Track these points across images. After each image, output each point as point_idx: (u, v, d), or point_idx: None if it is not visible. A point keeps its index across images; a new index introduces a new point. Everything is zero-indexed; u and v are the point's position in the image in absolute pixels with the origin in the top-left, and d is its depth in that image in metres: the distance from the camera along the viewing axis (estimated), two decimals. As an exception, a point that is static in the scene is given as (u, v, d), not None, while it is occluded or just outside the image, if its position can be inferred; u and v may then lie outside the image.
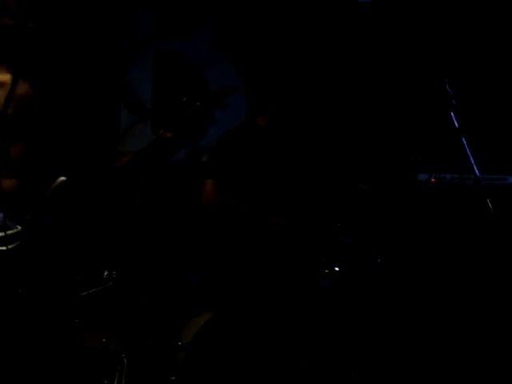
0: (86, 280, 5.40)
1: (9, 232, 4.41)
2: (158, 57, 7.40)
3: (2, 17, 4.60)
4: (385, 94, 7.78)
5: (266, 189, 5.74)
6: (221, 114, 7.46)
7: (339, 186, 6.00)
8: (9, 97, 4.48)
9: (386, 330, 6.59)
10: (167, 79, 7.37)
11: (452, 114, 4.98)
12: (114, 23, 7.22)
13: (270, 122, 5.85)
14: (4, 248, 4.45)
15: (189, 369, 5.33)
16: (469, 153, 4.95)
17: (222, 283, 5.73)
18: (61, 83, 4.80)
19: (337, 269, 5.79)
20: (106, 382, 5.17)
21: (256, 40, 7.51)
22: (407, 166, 6.42)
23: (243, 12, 7.56)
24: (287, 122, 5.87)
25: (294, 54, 6.63)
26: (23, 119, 4.65)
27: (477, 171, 4.91)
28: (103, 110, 7.02)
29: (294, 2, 7.49)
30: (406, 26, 7.74)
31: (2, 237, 4.40)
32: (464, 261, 6.68)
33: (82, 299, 5.19)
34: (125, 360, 5.23)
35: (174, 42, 7.48)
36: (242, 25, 7.57)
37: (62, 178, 4.43)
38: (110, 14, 7.18)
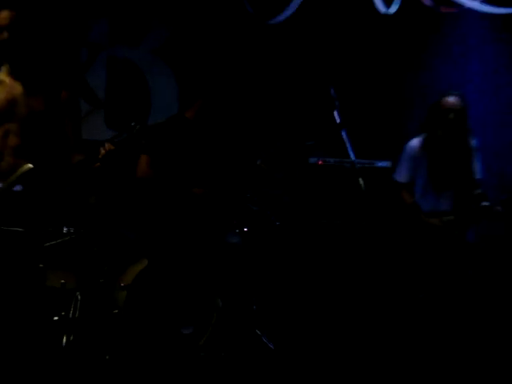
0: (49, 234, 5.25)
1: None
2: (110, 60, 7.21)
3: None
4: (286, 97, 7.66)
5: (188, 165, 5.75)
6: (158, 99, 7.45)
7: (247, 166, 5.95)
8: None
9: (281, 279, 6.54)
10: (117, 78, 7.24)
11: (335, 112, 5.12)
12: (72, 33, 7.05)
13: (197, 114, 5.85)
14: None
15: (129, 307, 5.30)
16: (347, 142, 5.09)
17: (154, 240, 5.69)
18: (38, 77, 4.85)
19: (245, 229, 5.82)
20: (63, 313, 5.08)
21: (190, 51, 7.36)
22: (301, 150, 6.35)
23: (180, 27, 7.42)
24: (209, 114, 5.85)
25: (215, 65, 6.64)
26: (10, 110, 4.69)
27: (352, 156, 5.07)
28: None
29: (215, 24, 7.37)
30: (305, 44, 7.64)
31: None
32: (340, 225, 6.68)
33: (45, 249, 5.11)
34: (79, 297, 5.15)
35: (123, 49, 7.29)
36: (178, 37, 7.41)
37: (29, 165, 4.61)
38: (69, 25, 7.01)
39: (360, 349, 5.88)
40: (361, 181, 5.09)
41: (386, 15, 5.96)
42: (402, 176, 6.08)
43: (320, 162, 6.86)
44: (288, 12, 5.82)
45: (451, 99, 5.97)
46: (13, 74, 4.75)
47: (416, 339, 5.82)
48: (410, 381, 5.32)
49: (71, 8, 7.03)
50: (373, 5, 5.81)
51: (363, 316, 6.31)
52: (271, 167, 5.84)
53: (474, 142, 6.10)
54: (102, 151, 4.83)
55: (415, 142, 6.09)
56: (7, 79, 4.74)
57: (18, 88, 4.73)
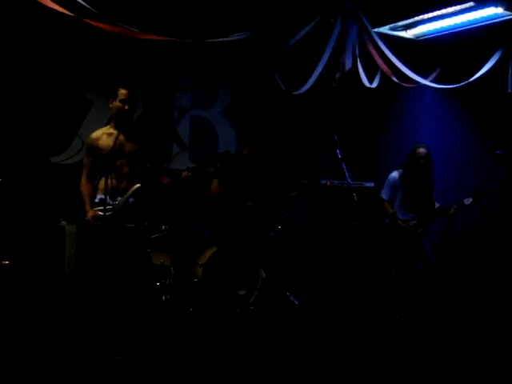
0: (153, 230, 5.48)
1: (108, 207, 4.61)
2: (192, 118, 7.15)
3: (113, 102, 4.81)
4: (305, 141, 7.65)
5: (244, 187, 5.68)
6: (223, 143, 7.17)
7: (279, 187, 5.86)
8: (115, 141, 4.63)
9: (303, 259, 6.54)
10: (197, 130, 7.16)
11: (337, 151, 5.20)
12: (168, 101, 7.01)
13: (250, 152, 5.79)
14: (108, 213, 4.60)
15: (204, 277, 5.36)
16: (345, 170, 5.16)
17: (221, 234, 5.68)
18: (140, 134, 4.92)
19: (279, 227, 5.85)
20: (162, 281, 5.31)
21: (243, 111, 7.33)
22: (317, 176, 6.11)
23: (237, 98, 7.37)
24: (258, 152, 5.78)
25: (260, 120, 6.66)
26: (120, 150, 4.75)
27: (349, 179, 5.15)
28: (163, 145, 7.02)
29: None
30: (318, 106, 7.65)
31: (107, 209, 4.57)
32: (341, 225, 6.67)
33: (151, 240, 5.31)
34: (172, 271, 5.35)
35: (201, 111, 7.22)
36: (236, 104, 7.37)
37: (138, 185, 4.67)
38: (165, 96, 6.96)
39: (357, 308, 5.79)
40: (354, 196, 5.15)
41: (369, 88, 5.87)
42: (385, 195, 6.06)
43: (328, 183, 6.88)
44: (306, 87, 5.83)
45: (422, 149, 5.97)
46: (117, 128, 4.75)
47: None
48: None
49: (166, 85, 6.97)
50: (361, 81, 5.76)
51: (359, 284, 6.23)
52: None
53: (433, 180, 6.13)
54: (183, 174, 4.89)
55: (395, 173, 6.10)
56: (115, 131, 4.74)
57: (121, 136, 4.71)
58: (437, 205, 6.06)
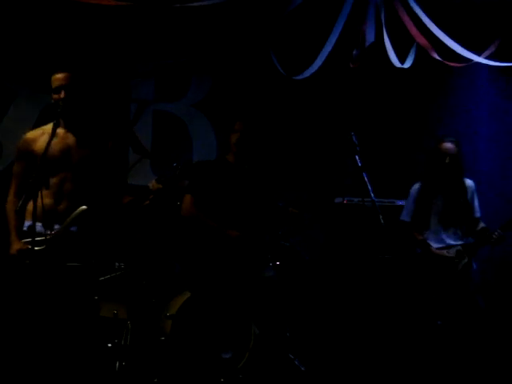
0: (103, 269, 5.39)
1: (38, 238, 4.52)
2: (156, 114, 7.23)
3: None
4: (312, 144, 7.63)
5: (228, 206, 5.68)
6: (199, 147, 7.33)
7: (275, 208, 5.90)
8: (50, 139, 4.53)
9: (312, 306, 6.45)
10: (162, 130, 7.24)
11: (356, 157, 5.06)
12: (121, 91, 7.11)
13: (236, 156, 5.76)
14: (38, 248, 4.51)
15: (174, 334, 5.30)
16: (368, 183, 5.01)
17: (196, 273, 5.67)
18: (88, 129, 4.88)
19: (278, 263, 5.76)
20: (116, 340, 5.21)
21: (226, 105, 7.30)
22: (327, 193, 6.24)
23: (218, 84, 7.40)
24: (246, 159, 5.78)
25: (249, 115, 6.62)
26: (64, 158, 4.69)
27: (373, 196, 4.98)
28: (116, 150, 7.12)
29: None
30: (327, 96, 7.67)
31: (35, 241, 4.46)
32: (366, 260, 6.64)
33: (99, 282, 5.21)
34: (130, 326, 5.28)
35: (167, 104, 7.31)
36: (216, 93, 7.40)
37: (83, 207, 4.61)
38: (117, 84, 7.08)
39: (384, 374, 5.81)
40: (381, 218, 4.97)
41: (400, 69, 5.99)
42: (407, 216, 6.06)
43: (345, 201, 6.77)
44: (313, 69, 5.82)
45: (447, 144, 5.96)
46: (66, 127, 4.75)
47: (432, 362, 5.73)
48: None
49: (120, 68, 7.06)
50: (388, 59, 5.85)
51: (386, 341, 6.23)
52: (300, 209, 5.80)
53: (470, 183, 6.09)
54: (150, 186, 4.78)
55: (418, 186, 6.11)
56: (61, 131, 4.73)
57: (70, 138, 4.74)
58: (481, 225, 6.01)
